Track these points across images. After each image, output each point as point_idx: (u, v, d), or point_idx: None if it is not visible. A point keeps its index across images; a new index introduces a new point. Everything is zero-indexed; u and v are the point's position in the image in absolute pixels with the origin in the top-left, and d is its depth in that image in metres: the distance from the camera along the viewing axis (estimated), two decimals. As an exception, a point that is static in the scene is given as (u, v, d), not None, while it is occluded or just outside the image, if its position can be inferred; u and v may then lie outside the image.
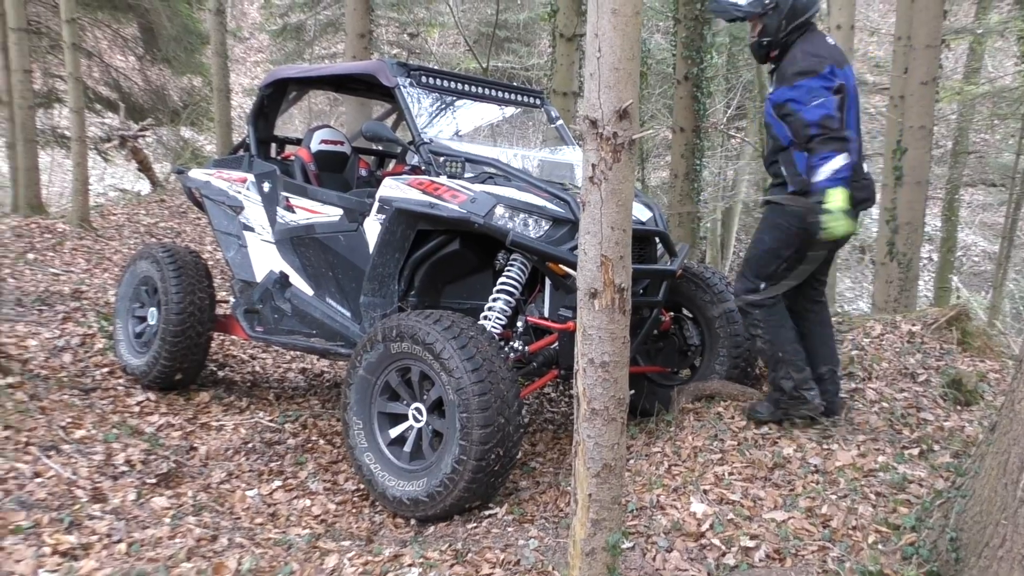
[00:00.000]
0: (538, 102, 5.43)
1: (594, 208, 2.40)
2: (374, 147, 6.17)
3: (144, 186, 14.76)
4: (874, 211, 15.39)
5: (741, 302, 4.26)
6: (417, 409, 4.06)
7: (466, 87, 5.00)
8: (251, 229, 5.32)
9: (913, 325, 6.05)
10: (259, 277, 5.28)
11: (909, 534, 3.23)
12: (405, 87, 4.72)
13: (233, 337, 6.55)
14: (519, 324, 4.41)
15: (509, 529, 3.70)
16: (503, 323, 4.30)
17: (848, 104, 3.98)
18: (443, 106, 4.97)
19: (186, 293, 5.32)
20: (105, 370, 5.52)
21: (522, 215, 4.23)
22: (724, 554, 3.26)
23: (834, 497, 3.59)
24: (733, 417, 4.43)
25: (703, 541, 3.36)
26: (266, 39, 22.25)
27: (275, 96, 5.53)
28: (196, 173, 5.79)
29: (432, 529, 3.86)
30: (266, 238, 5.25)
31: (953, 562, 2.92)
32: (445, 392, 3.81)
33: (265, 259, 5.25)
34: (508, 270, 4.37)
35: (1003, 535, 2.71)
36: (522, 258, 4.33)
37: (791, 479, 3.81)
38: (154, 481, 4.15)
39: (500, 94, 5.21)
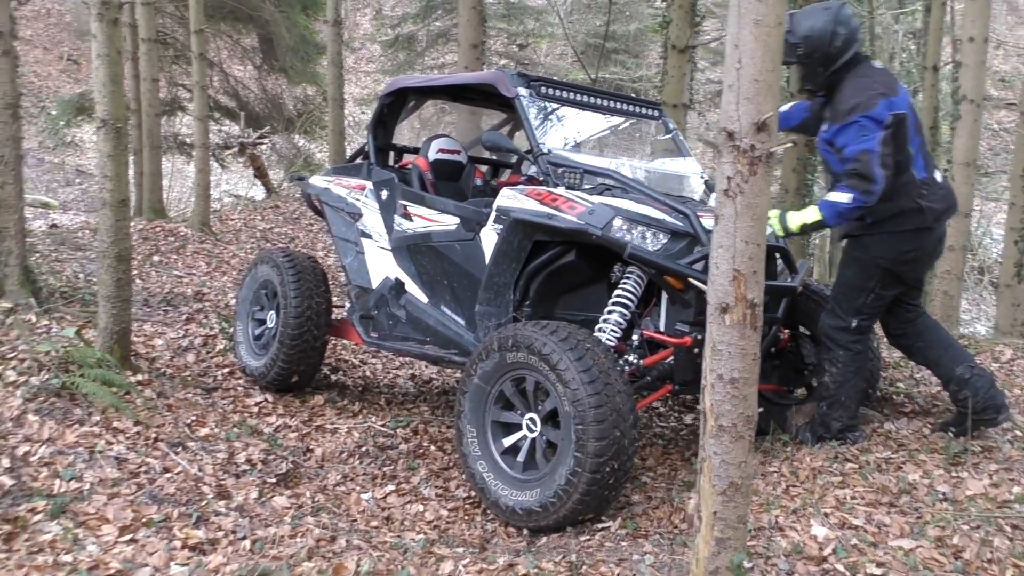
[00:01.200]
0: (657, 114, 5.39)
1: (728, 222, 2.36)
2: (489, 156, 6.22)
3: (258, 192, 15.24)
4: (996, 231, 14.72)
5: (832, 339, 4.30)
6: (531, 419, 4.07)
7: (584, 98, 5.00)
8: (368, 236, 5.43)
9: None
10: (375, 284, 5.38)
11: (1049, 570, 3.07)
12: (524, 97, 4.75)
13: (346, 342, 6.70)
14: (635, 338, 4.37)
15: (623, 544, 3.66)
16: (618, 336, 4.27)
17: (909, 126, 4.05)
18: (560, 117, 4.98)
19: (304, 297, 5.45)
20: (226, 370, 5.70)
21: (640, 227, 4.20)
22: (848, 581, 3.16)
23: (966, 528, 3.45)
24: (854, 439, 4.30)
25: (825, 566, 3.26)
26: (378, 49, 22.71)
27: (395, 105, 5.64)
28: (316, 180, 5.94)
29: (545, 540, 3.86)
30: (383, 245, 5.34)
31: (1099, 602, 2.77)
32: (560, 403, 3.81)
33: (382, 266, 5.35)
34: (624, 283, 4.34)
35: None
36: (638, 271, 4.29)
37: (918, 506, 3.67)
38: (274, 480, 4.27)
39: (619, 105, 5.19)
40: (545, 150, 4.61)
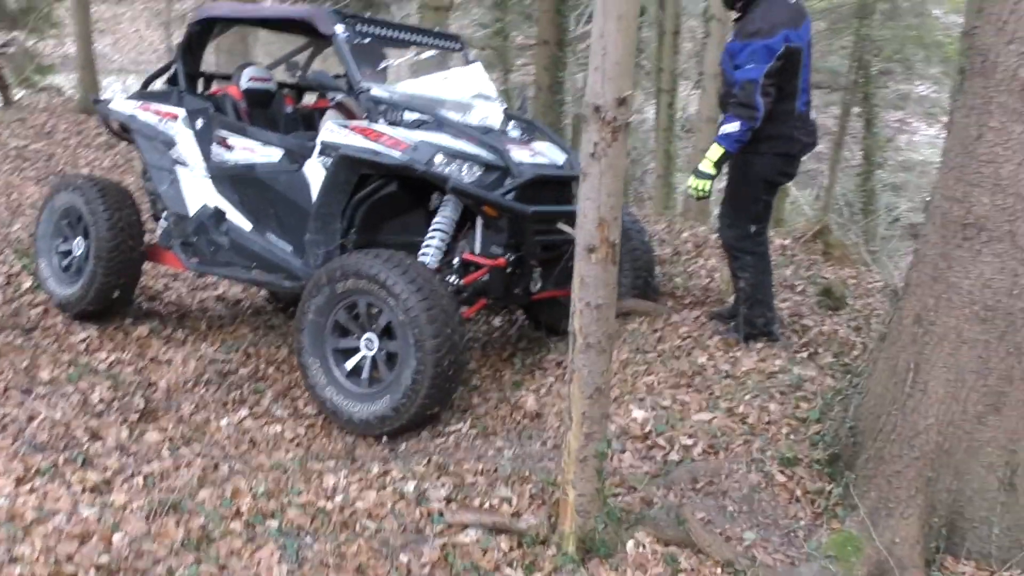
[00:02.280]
0: (459, 46, 5.77)
1: (594, 179, 2.88)
2: (294, 82, 6.36)
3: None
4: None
5: (737, 249, 4.82)
6: (368, 339, 4.50)
7: (396, 34, 5.30)
8: (184, 164, 5.50)
9: (784, 239, 6.87)
10: (192, 211, 5.50)
11: (815, 425, 3.97)
12: (341, 35, 4.98)
13: (147, 270, 6.71)
14: (455, 260, 4.86)
15: (477, 442, 4.24)
16: (439, 259, 4.74)
17: (804, 61, 4.57)
18: (375, 52, 5.26)
19: (114, 209, 5.54)
20: (39, 309, 5.63)
21: (458, 161, 4.65)
22: (668, 452, 3.91)
23: (747, 397, 4.29)
24: (651, 332, 5.08)
25: (648, 442, 4.00)
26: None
27: (203, 33, 5.66)
28: (119, 104, 5.87)
29: (404, 446, 4.35)
30: (200, 173, 5.45)
31: (852, 445, 3.66)
32: (395, 315, 4.27)
33: (199, 193, 5.47)
34: (442, 210, 4.80)
35: (894, 422, 3.44)
36: (455, 199, 4.75)
37: (708, 384, 4.48)
38: (136, 417, 4.44)
39: (426, 39, 5.54)
40: (365, 87, 4.90)
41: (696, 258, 6.65)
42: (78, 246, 5.68)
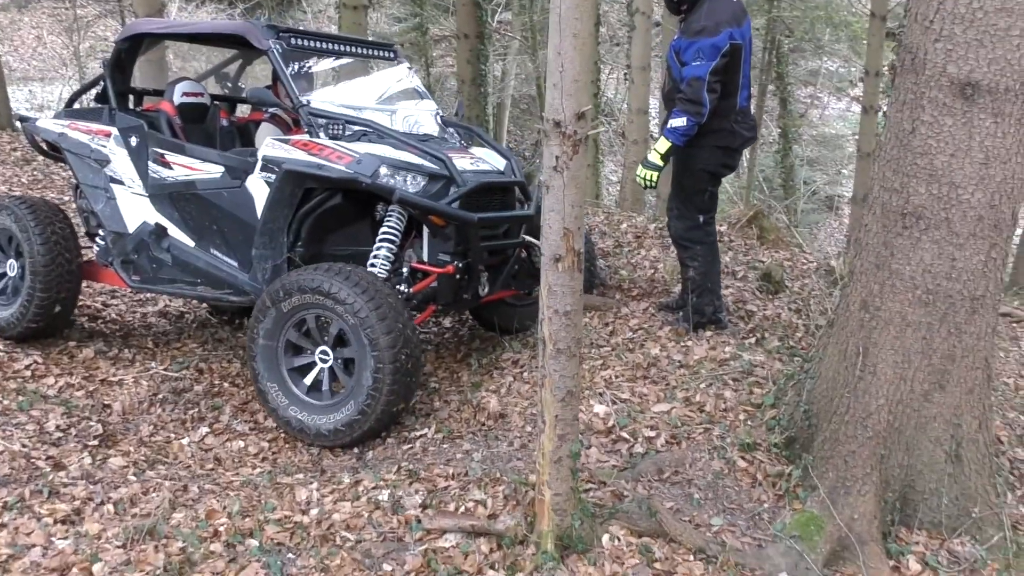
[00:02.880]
0: (393, 55, 5.81)
1: (557, 191, 2.97)
2: (225, 94, 6.32)
3: None
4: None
5: (687, 239, 4.96)
6: (323, 351, 4.53)
7: (329, 45, 5.32)
8: (120, 182, 5.44)
9: (720, 226, 7.06)
10: (132, 228, 5.44)
11: (770, 410, 4.14)
12: (276, 50, 4.98)
13: (87, 288, 6.60)
14: (404, 269, 4.92)
15: (444, 446, 4.30)
16: (388, 268, 4.79)
17: (745, 58, 4.73)
18: (310, 64, 5.27)
19: (45, 224, 5.47)
20: (-24, 337, 5.49)
21: (402, 172, 4.71)
22: (633, 445, 4.04)
23: (702, 386, 4.46)
24: (603, 326, 5.20)
25: (612, 436, 4.12)
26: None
27: (132, 49, 5.58)
28: (47, 123, 5.77)
29: (371, 454, 4.40)
30: (137, 191, 5.39)
31: (807, 428, 3.84)
32: (345, 321, 4.31)
33: (137, 211, 5.41)
34: (388, 220, 4.85)
35: (847, 404, 3.62)
36: (399, 209, 4.81)
37: (664, 375, 4.64)
38: (95, 443, 4.39)
39: (360, 50, 5.56)
40: (304, 102, 4.92)
41: (638, 249, 6.80)
42: (12, 267, 5.59)
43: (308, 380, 4.58)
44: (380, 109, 5.33)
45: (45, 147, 5.94)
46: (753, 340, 4.95)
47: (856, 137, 13.19)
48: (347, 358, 4.45)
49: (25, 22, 24.91)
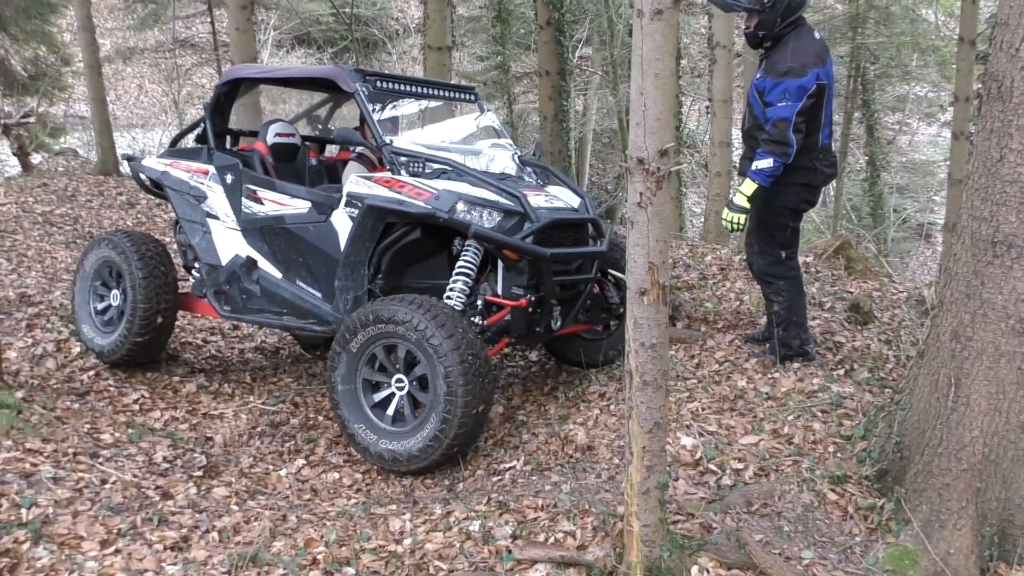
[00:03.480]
0: (474, 98, 6.00)
1: (642, 226, 3.04)
2: (315, 135, 6.62)
3: (10, 168, 14.25)
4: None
5: (771, 275, 4.97)
6: (398, 380, 4.70)
7: (412, 88, 5.54)
8: (215, 217, 5.75)
9: (806, 257, 7.01)
10: (224, 261, 5.74)
11: (860, 442, 4.10)
12: (363, 92, 5.21)
13: (184, 326, 6.91)
14: (478, 302, 5.04)
15: (533, 478, 4.37)
16: (463, 300, 4.92)
17: (827, 97, 4.74)
18: (395, 106, 5.48)
19: (142, 246, 5.85)
20: (91, 373, 5.79)
21: (478, 208, 4.86)
22: (720, 477, 4.05)
23: (790, 418, 4.43)
24: (689, 358, 5.22)
25: (700, 468, 4.14)
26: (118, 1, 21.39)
27: (230, 93, 5.90)
28: (151, 162, 6.17)
29: (462, 486, 4.50)
30: (231, 225, 5.69)
31: (899, 460, 3.79)
32: (408, 339, 4.47)
33: (230, 244, 5.71)
34: (464, 255, 5.00)
35: (940, 436, 3.57)
36: (476, 244, 4.94)
37: (751, 407, 4.63)
38: (200, 473, 4.60)
39: (441, 92, 5.78)
40: (388, 141, 5.13)
41: (723, 281, 6.80)
42: (115, 297, 5.96)
43: (390, 411, 4.73)
44: (460, 148, 5.51)
45: (149, 184, 6.34)
46: (842, 371, 4.91)
47: (947, 163, 12.90)
48: (420, 376, 4.60)
49: (128, 72, 26.22)
